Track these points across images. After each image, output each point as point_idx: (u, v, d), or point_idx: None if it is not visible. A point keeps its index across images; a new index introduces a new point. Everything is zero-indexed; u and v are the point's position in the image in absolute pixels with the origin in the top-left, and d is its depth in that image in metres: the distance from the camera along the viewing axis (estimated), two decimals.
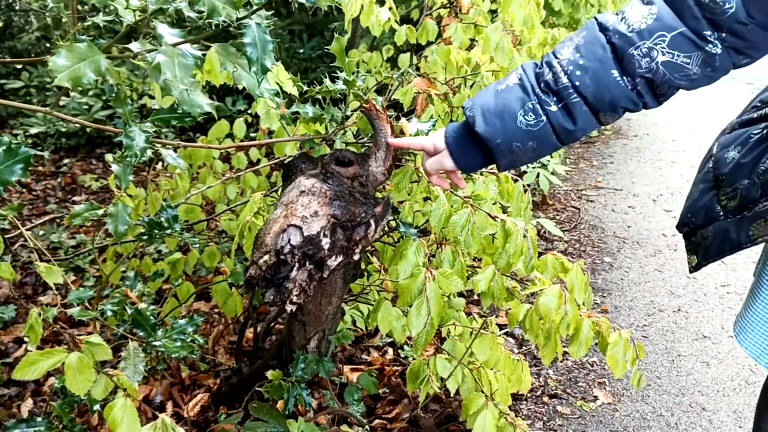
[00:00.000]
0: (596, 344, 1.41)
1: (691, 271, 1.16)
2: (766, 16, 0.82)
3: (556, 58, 0.92)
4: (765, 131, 1.02)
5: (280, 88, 1.54)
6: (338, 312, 1.53)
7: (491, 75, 1.89)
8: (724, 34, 0.84)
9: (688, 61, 0.86)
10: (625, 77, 0.88)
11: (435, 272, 1.24)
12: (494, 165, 1.03)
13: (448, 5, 1.91)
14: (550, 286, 1.29)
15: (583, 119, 0.92)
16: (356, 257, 1.19)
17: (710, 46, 0.85)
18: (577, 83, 0.89)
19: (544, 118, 0.92)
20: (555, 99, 0.91)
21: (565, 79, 0.89)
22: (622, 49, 0.87)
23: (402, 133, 1.23)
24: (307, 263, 1.09)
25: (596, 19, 0.91)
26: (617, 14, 0.90)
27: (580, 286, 1.37)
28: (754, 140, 1.02)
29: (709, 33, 0.84)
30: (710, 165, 1.11)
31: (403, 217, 1.45)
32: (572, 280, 1.37)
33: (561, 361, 2.33)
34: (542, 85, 0.92)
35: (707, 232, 1.09)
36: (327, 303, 1.45)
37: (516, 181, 1.59)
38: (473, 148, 1.01)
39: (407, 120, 1.29)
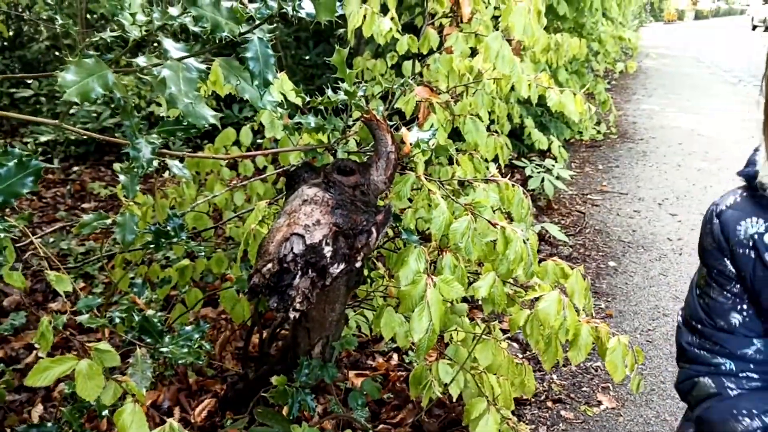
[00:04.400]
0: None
1: None
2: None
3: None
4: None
5: (284, 97, 1.57)
6: (342, 318, 1.55)
7: (493, 83, 1.91)
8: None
9: None
10: None
11: (436, 279, 1.26)
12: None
13: (449, 14, 1.93)
14: (549, 291, 1.31)
15: None
16: (358, 264, 1.21)
17: None
18: None
19: None
20: None
21: None
22: None
23: (402, 143, 1.26)
24: (310, 271, 1.11)
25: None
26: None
27: (580, 291, 1.39)
28: None
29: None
30: None
31: (405, 225, 1.47)
32: (572, 285, 1.39)
33: (565, 366, 2.33)
34: None
35: None
36: (330, 310, 1.48)
37: (514, 185, 1.61)
38: None
39: (407, 129, 1.31)
